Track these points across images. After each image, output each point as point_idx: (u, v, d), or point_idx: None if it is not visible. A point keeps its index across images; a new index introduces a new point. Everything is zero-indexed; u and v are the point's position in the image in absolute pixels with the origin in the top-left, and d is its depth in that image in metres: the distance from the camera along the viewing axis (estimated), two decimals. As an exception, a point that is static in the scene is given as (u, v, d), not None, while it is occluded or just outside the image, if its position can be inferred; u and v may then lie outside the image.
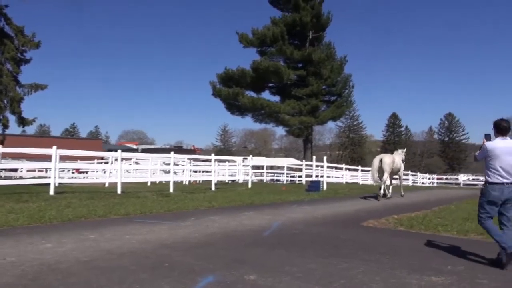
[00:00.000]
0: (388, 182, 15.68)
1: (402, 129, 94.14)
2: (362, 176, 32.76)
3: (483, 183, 5.31)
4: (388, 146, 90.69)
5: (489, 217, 4.98)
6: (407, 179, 37.83)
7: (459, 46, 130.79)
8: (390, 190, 15.96)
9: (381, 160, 15.06)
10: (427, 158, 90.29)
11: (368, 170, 34.91)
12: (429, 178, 46.35)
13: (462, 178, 51.52)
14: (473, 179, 51.29)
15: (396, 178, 17.76)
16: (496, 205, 4.91)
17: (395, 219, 9.08)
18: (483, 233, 7.25)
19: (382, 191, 15.12)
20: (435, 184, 44.42)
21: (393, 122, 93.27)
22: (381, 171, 15.03)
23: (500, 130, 4.97)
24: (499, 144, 4.90)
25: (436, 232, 7.50)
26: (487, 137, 5.10)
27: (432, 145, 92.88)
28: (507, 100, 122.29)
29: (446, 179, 51.08)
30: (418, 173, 44.83)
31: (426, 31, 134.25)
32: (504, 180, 4.82)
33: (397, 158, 15.84)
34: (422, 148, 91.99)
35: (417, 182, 40.25)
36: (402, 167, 16.42)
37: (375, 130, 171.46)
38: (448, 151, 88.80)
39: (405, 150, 17.40)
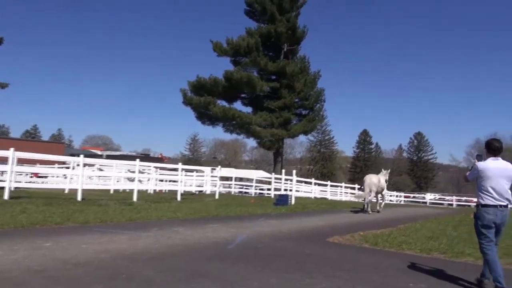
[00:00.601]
0: (374, 199, 17.91)
1: (373, 146, 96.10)
2: (331, 192, 33.17)
3: (472, 205, 5.35)
4: (358, 163, 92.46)
5: (489, 242, 4.80)
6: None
7: (432, 64, 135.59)
8: (378, 206, 18.18)
9: (369, 179, 16.95)
10: (396, 176, 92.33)
11: (337, 186, 35.62)
12: (396, 196, 47.40)
13: (429, 197, 52.96)
14: (439, 199, 52.80)
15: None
16: (491, 228, 4.79)
17: (361, 235, 9.21)
18: (446, 251, 7.51)
19: (368, 206, 17.00)
20: (402, 202, 45.45)
21: (364, 139, 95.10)
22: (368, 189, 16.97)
23: (492, 150, 4.91)
24: (491, 165, 4.83)
25: (400, 250, 7.67)
26: (479, 158, 5.05)
27: (401, 163, 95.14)
28: (476, 122, 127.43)
29: (414, 197, 52.36)
30: (385, 191, 45.71)
31: (398, 48, 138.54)
32: (498, 203, 4.75)
33: (382, 178, 17.70)
34: (391, 166, 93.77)
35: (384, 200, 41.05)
36: (385, 186, 18.31)
37: (345, 146, 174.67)
38: (416, 169, 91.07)
39: (389, 171, 19.24)
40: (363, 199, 17.32)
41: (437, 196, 56.48)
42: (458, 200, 49.03)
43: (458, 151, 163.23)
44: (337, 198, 33.35)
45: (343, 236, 8.96)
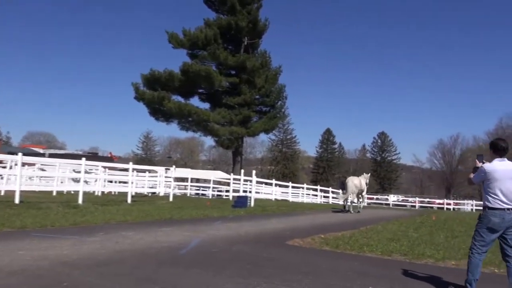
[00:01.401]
0: (355, 200, 20.95)
1: (336, 146, 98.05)
2: (293, 193, 33.56)
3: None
4: (321, 163, 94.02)
5: (483, 247, 4.82)
6: (337, 198, 39.38)
7: (395, 64, 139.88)
8: (358, 208, 21.10)
9: (350, 181, 19.41)
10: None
11: (299, 187, 36.10)
12: (360, 198, 48.56)
13: (392, 198, 54.71)
14: (402, 200, 54.65)
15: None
16: (494, 233, 4.77)
17: (322, 238, 9.38)
18: (407, 253, 7.77)
19: (347, 207, 20.01)
20: (365, 204, 46.60)
21: (327, 138, 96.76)
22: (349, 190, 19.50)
23: (497, 151, 4.87)
24: (498, 167, 4.79)
25: (361, 252, 7.87)
26: (480, 158, 5.05)
27: (365, 163, 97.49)
28: (439, 123, 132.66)
29: (377, 199, 53.88)
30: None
31: (362, 47, 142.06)
32: (506, 206, 4.72)
33: (363, 180, 20.31)
34: (355, 166, 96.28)
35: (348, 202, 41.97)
36: (365, 189, 20.97)
37: (308, 145, 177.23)
38: (380, 170, 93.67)
39: (369, 174, 22.22)
40: (345, 200, 20.08)
41: (400, 197, 58.46)
42: (421, 202, 50.90)
43: (421, 152, 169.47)
44: (299, 199, 33.81)
45: (303, 239, 9.08)
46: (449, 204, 49.71)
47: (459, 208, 48.92)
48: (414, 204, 49.61)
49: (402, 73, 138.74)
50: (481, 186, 5.05)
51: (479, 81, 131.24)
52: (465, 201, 53.24)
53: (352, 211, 20.06)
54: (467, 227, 13.18)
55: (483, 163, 4.94)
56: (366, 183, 20.86)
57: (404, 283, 5.41)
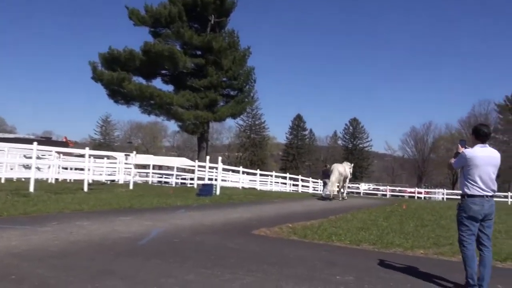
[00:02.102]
0: (339, 187, 22.75)
1: (306, 132, 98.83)
2: (261, 181, 33.75)
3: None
4: (291, 150, 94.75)
5: (471, 235, 4.87)
6: (308, 187, 39.96)
7: (367, 51, 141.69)
8: (344, 193, 23.71)
9: (336, 168, 21.33)
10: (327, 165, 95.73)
11: (268, 175, 36.34)
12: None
13: (363, 187, 55.85)
14: (373, 189, 55.90)
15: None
16: (477, 221, 4.85)
17: (289, 227, 9.50)
18: (375, 242, 7.98)
19: (331, 194, 21.82)
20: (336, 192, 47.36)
21: (297, 124, 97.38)
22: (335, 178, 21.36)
23: (479, 136, 4.96)
24: (479, 153, 4.89)
25: (330, 242, 8.03)
26: (462, 143, 5.15)
27: (336, 151, 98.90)
28: (412, 111, 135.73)
29: (348, 187, 54.89)
30: (319, 180, 47.41)
31: (334, 32, 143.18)
32: (484, 193, 4.83)
33: (347, 167, 22.48)
34: (326, 154, 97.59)
35: (317, 190, 42.57)
36: (349, 176, 23.03)
37: (278, 131, 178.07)
38: (351, 158, 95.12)
39: (352, 164, 24.72)
40: (336, 189, 21.80)
41: (372, 186, 59.74)
42: (392, 190, 52.20)
43: (394, 140, 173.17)
44: (267, 188, 34.05)
45: (270, 229, 9.19)
46: (420, 193, 51.22)
47: (430, 197, 50.48)
48: (385, 192, 50.80)
49: (374, 59, 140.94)
50: (459, 173, 5.17)
51: (452, 68, 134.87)
52: (436, 190, 54.98)
53: (340, 199, 22.22)
54: (437, 216, 13.61)
55: (466, 148, 5.05)
56: (350, 173, 22.86)
57: (372, 272, 5.56)
